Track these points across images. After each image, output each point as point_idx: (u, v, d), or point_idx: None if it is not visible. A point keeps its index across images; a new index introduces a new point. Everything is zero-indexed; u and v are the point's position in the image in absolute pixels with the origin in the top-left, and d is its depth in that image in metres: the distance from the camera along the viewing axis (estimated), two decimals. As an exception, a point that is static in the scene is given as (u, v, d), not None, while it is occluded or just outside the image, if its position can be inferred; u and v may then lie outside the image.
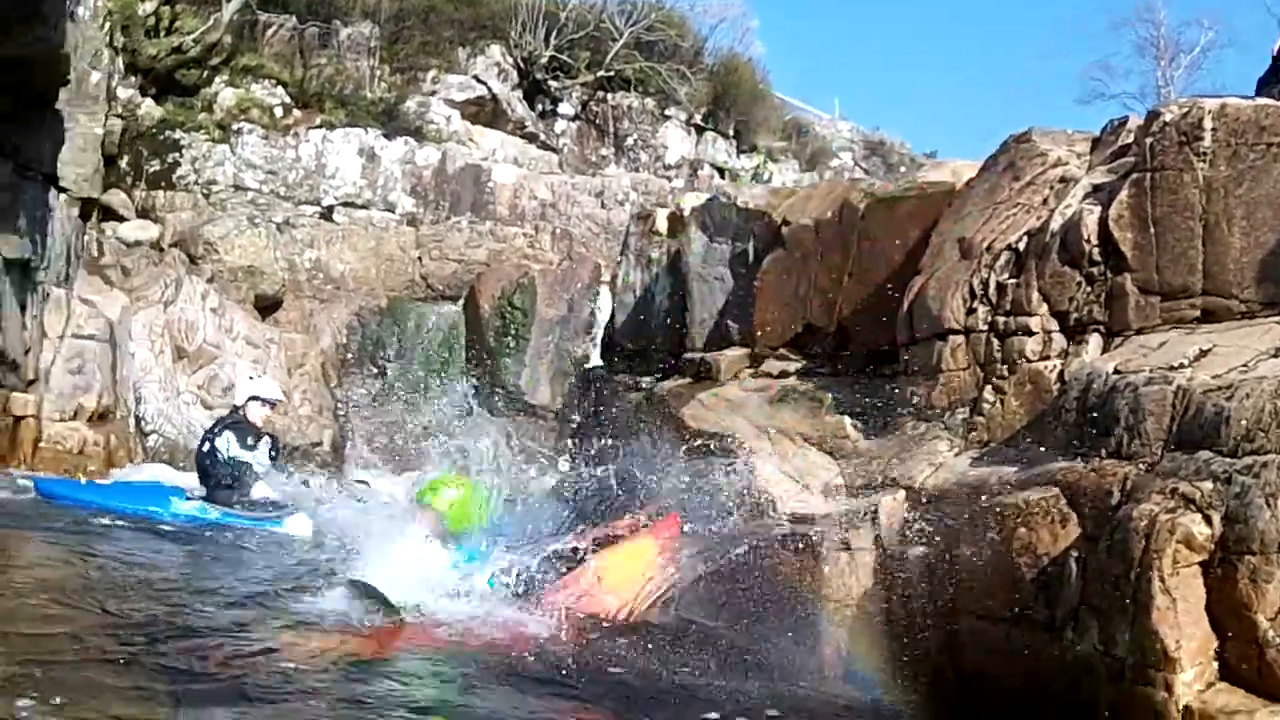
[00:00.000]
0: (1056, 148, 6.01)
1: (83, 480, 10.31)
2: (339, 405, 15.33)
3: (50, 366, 12.20)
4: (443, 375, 15.84)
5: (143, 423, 13.41)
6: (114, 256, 14.98)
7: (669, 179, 19.16)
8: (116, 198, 15.67)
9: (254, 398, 9.66)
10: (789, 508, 5.77)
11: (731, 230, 7.39)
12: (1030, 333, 5.32)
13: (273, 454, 9.44)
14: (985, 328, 5.45)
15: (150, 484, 10.05)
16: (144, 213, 15.97)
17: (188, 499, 9.18)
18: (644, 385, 7.90)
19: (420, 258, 16.44)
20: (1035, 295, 5.32)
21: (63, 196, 12.73)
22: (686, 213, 7.83)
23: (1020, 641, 4.52)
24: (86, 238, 14.24)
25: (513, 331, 15.47)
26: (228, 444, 9.35)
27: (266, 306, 15.66)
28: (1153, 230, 5.10)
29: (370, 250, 16.37)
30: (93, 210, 14.64)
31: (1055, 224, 5.42)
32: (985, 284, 5.50)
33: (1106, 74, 29.41)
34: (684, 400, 7.11)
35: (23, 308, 11.36)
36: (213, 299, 14.50)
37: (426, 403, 15.61)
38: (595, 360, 10.94)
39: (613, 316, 9.02)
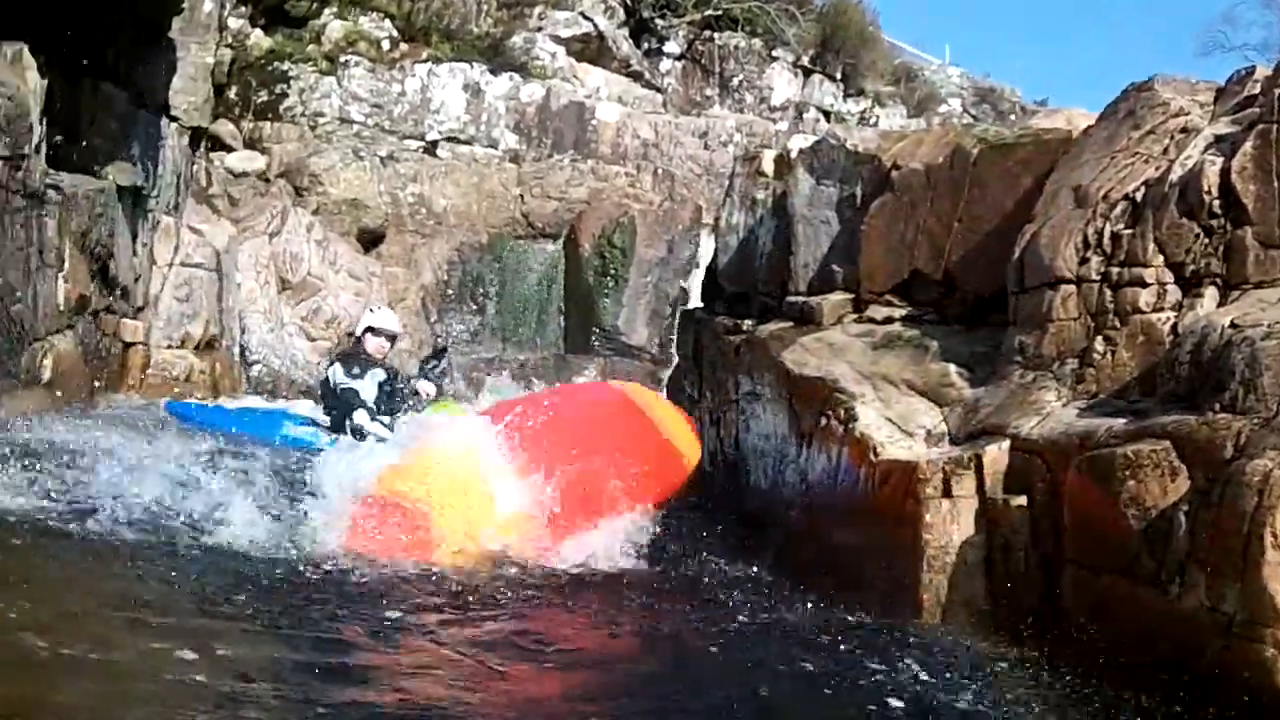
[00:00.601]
0: (1179, 97, 5.87)
1: (210, 404, 10.74)
2: (438, 340, 15.50)
3: (159, 294, 12.50)
4: (541, 313, 15.96)
5: (247, 352, 13.69)
6: (221, 186, 15.23)
7: (774, 121, 18.99)
8: (225, 128, 15.89)
9: (370, 329, 9.82)
10: (890, 454, 5.75)
11: (839, 173, 7.31)
12: (1144, 284, 5.22)
13: (388, 386, 9.57)
14: (1098, 278, 5.36)
15: (273, 411, 10.39)
16: (251, 143, 16.18)
17: (301, 424, 9.45)
18: (744, 328, 7.88)
19: (521, 195, 16.50)
20: (1151, 246, 5.22)
21: (174, 126, 12.97)
22: (793, 154, 7.75)
23: (1125, 595, 4.49)
24: (195, 167, 14.51)
25: (612, 271, 15.53)
26: (335, 373, 9.58)
27: (369, 240, 15.85)
28: (1276, 183, 4.97)
29: (472, 186, 16.45)
30: (202, 140, 14.90)
31: (1175, 174, 5.30)
32: (1100, 233, 5.41)
33: (1229, 25, 28.64)
34: (785, 344, 7.08)
35: (134, 235, 11.62)
36: (317, 231, 14.72)
37: (525, 340, 15.75)
38: (695, 302, 10.93)
39: (714, 258, 8.99)
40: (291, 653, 4.19)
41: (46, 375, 9.29)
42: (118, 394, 11.25)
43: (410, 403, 9.72)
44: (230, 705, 3.50)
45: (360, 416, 9.20)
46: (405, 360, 14.20)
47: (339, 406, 9.41)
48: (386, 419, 9.31)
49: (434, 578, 5.66)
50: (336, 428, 9.36)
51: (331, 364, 9.99)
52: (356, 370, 9.51)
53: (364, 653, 4.40)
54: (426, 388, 10.10)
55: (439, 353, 10.80)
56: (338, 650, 4.33)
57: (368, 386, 9.44)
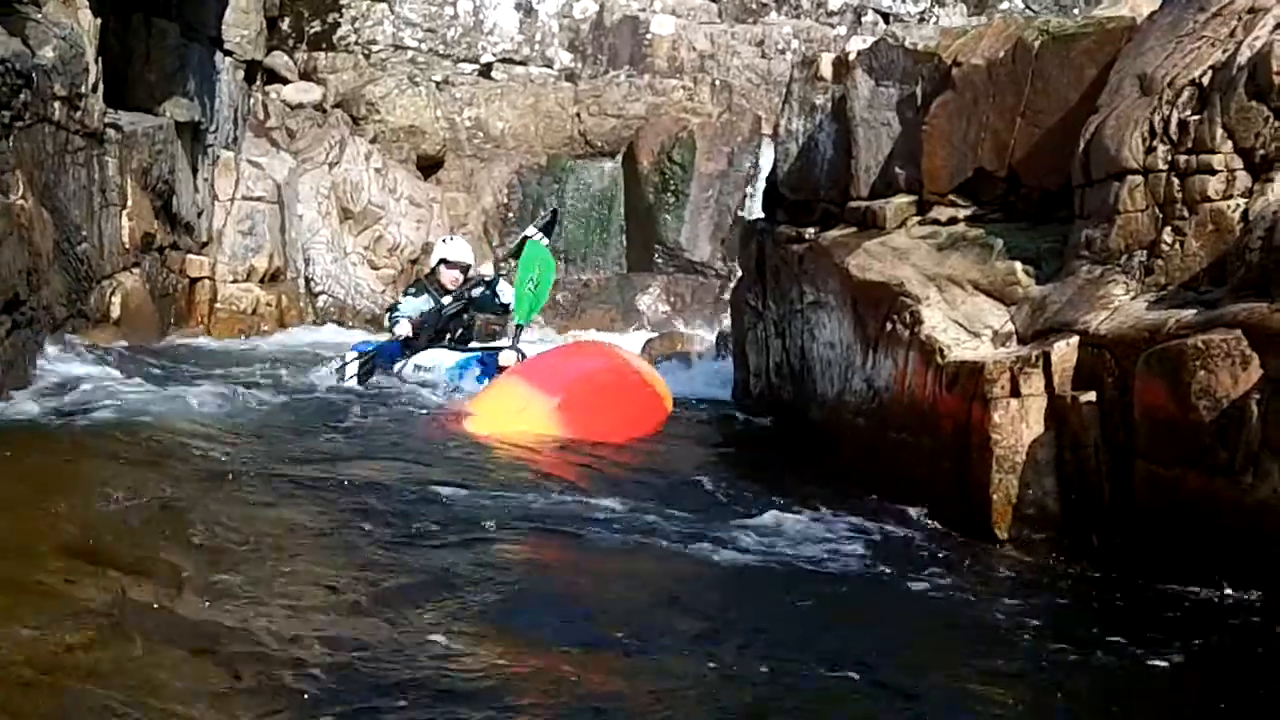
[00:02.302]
0: (1246, -24, 5.69)
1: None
2: (501, 264, 15.52)
3: (222, 229, 12.57)
4: (602, 233, 15.91)
5: (312, 283, 13.77)
6: (279, 119, 15.26)
7: (831, 26, 18.58)
8: (279, 60, 15.90)
9: (443, 260, 9.82)
10: (957, 355, 5.69)
11: (899, 73, 7.17)
12: (1213, 171, 5.09)
13: (439, 320, 9.57)
14: (1165, 167, 5.24)
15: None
16: (306, 75, 16.18)
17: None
18: (807, 236, 7.79)
19: (578, 114, 16.38)
20: (1219, 132, 5.08)
21: (228, 59, 12.99)
22: (852, 57, 7.61)
23: (1197, 487, 4.44)
24: (252, 101, 14.53)
25: (672, 187, 15.41)
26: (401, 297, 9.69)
27: (428, 166, 15.84)
28: (1351, 60, 4.83)
29: (529, 107, 16.35)
30: (257, 73, 14.92)
31: (1243, 57, 5.15)
32: (1166, 121, 5.28)
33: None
34: (849, 250, 7.00)
35: (194, 171, 11.70)
36: (376, 159, 14.72)
37: (587, 260, 15.72)
38: (756, 213, 10.83)
39: (774, 167, 8.88)
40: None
41: (116, 313, 9.41)
42: (186, 330, 11.38)
43: (470, 322, 9.70)
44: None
45: (402, 326, 9.19)
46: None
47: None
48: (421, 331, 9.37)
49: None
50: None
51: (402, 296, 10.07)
52: (413, 291, 9.62)
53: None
54: (506, 292, 9.96)
55: (551, 217, 10.34)
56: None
57: (415, 303, 9.49)
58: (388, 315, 9.59)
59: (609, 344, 9.58)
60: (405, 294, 9.64)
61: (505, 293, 9.30)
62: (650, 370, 8.54)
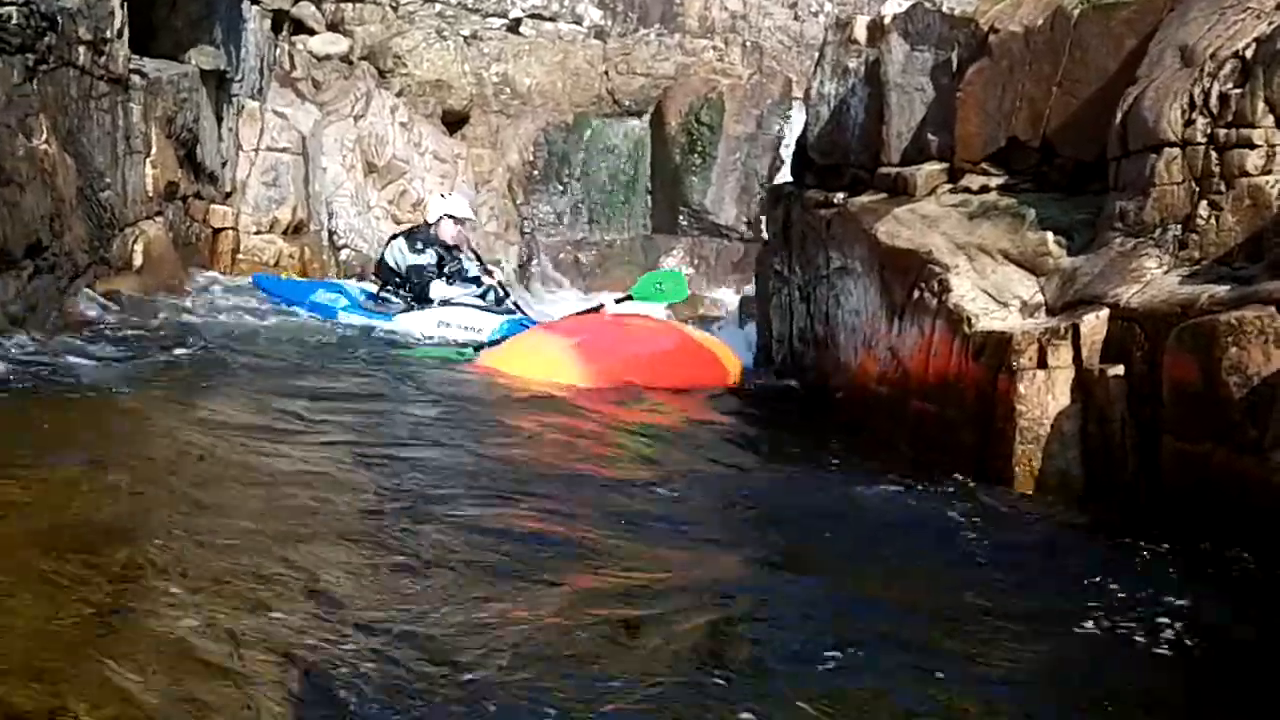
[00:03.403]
0: (1292, -53, 5.58)
1: (283, 276, 11.09)
2: (525, 222, 15.46)
3: (246, 179, 12.53)
4: (628, 193, 15.81)
5: (335, 237, 13.72)
6: (305, 70, 15.15)
7: (867, -12, 18.47)
8: (307, 10, 15.78)
9: (447, 215, 9.87)
10: (985, 325, 5.63)
11: (934, 38, 7.08)
12: (1252, 146, 5.01)
13: (452, 265, 9.70)
14: (1204, 140, 5.15)
15: (328, 283, 10.76)
16: (333, 26, 16.06)
17: (335, 292, 9.87)
18: (835, 201, 7.72)
19: (607, 72, 16.25)
20: (1261, 106, 4.99)
21: (255, 8, 12.91)
22: (887, 20, 7.51)
23: (1224, 463, 4.39)
24: (278, 51, 14.44)
25: (699, 149, 15.29)
26: (396, 251, 9.79)
27: (454, 121, 15.74)
28: (1397, 35, 4.74)
29: (557, 64, 16.22)
30: (284, 23, 14.82)
31: (1287, 29, 5.06)
32: (1206, 94, 5.18)
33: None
34: (878, 216, 6.93)
35: (219, 120, 11.63)
36: (402, 113, 14.63)
37: (611, 221, 15.64)
38: (785, 176, 10.74)
39: (804, 130, 8.80)
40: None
41: (138, 261, 9.38)
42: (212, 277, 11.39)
43: (475, 277, 9.92)
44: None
45: (438, 288, 9.43)
46: (493, 243, 14.22)
47: (413, 282, 9.70)
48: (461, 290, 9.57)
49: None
50: (420, 300, 9.64)
51: (390, 242, 10.18)
52: (419, 245, 9.69)
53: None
54: (497, 274, 10.52)
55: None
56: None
57: (428, 258, 9.61)
58: (425, 280, 9.68)
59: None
60: (415, 248, 9.71)
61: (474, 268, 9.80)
62: (707, 337, 9.10)
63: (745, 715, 2.86)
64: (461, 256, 10.31)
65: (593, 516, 4.57)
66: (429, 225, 9.99)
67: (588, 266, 14.91)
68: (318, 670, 2.87)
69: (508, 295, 10.17)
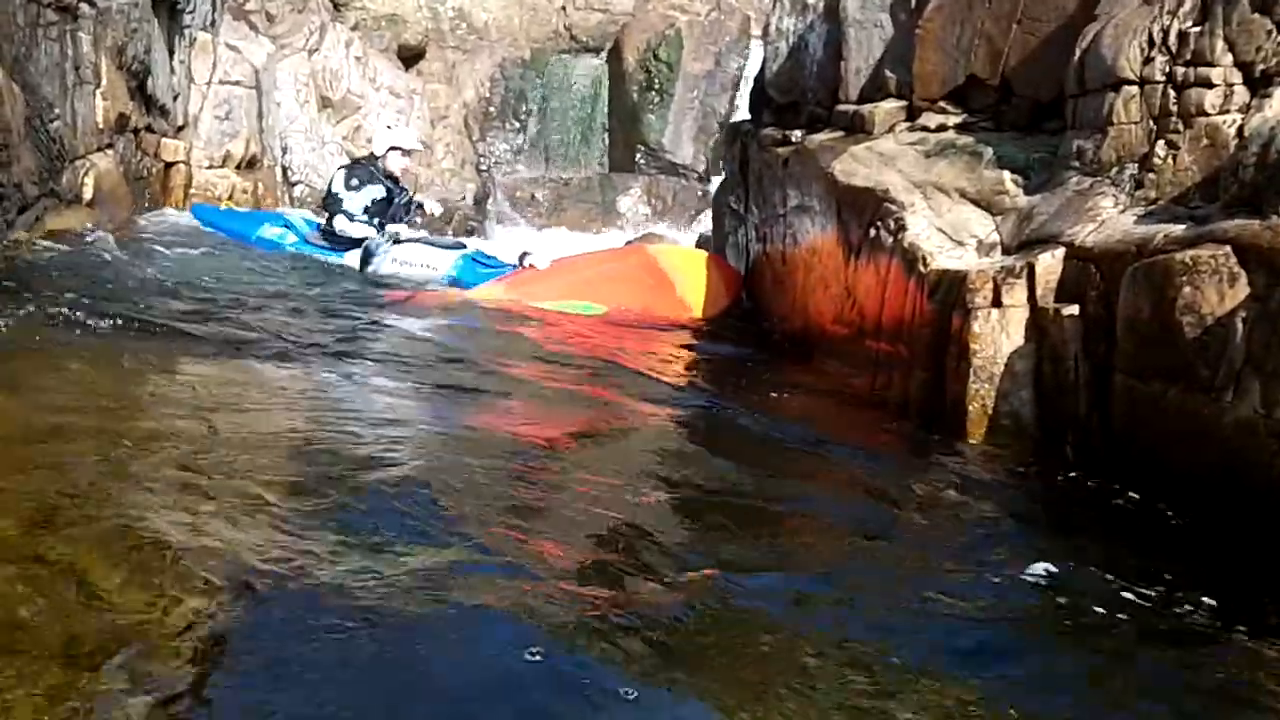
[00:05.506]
0: (1254, -117, 5.55)
1: (221, 208, 10.98)
2: (481, 160, 15.33)
3: (198, 113, 12.33)
4: (585, 131, 15.70)
5: (289, 172, 13.55)
6: (258, 2, 14.90)
7: (825, -74, 18.37)
8: (261, -60, 15.53)
9: (394, 148, 9.77)
10: (940, 264, 5.63)
11: (893, -26, 7.06)
12: (1210, 85, 5.00)
13: (392, 199, 9.65)
14: (1162, 79, 5.13)
15: (272, 214, 10.69)
16: (288, -43, 15.81)
17: (281, 226, 9.75)
18: (793, 139, 7.69)
19: (564, 7, 16.06)
20: (1220, 44, 4.98)
21: (208, -63, 12.66)
22: (847, -45, 7.47)
23: (1176, 403, 4.40)
24: (231, -18, 14.19)
25: (657, 86, 15.18)
26: (336, 182, 9.70)
27: (410, 57, 15.55)
28: (1357, -27, 4.73)
29: (513, -1, 16.07)
30: (237, -47, 14.55)
31: (1247, -33, 5.04)
32: (1165, 31, 5.17)
33: None
34: (835, 154, 6.90)
35: (171, 52, 11.42)
36: (356, 47, 14.43)
37: (569, 159, 15.54)
38: (743, 114, 10.68)
39: (762, 68, 8.75)
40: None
41: (88, 194, 9.21)
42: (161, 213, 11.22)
43: (411, 215, 9.84)
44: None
45: (339, 222, 9.38)
46: (449, 180, 14.08)
47: (327, 211, 9.70)
48: (372, 223, 9.46)
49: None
50: (326, 234, 9.59)
51: (335, 173, 10.09)
52: (355, 183, 9.57)
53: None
54: (433, 206, 10.57)
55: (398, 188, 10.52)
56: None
57: (359, 198, 9.49)
58: (333, 212, 9.55)
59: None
60: (350, 184, 9.57)
61: (429, 206, 9.82)
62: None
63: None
64: (417, 197, 10.26)
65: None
66: (377, 158, 9.86)
67: (544, 204, 14.81)
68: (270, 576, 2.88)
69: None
